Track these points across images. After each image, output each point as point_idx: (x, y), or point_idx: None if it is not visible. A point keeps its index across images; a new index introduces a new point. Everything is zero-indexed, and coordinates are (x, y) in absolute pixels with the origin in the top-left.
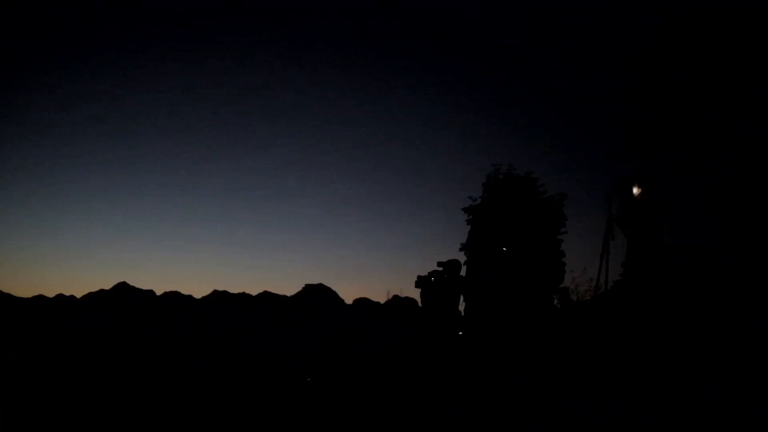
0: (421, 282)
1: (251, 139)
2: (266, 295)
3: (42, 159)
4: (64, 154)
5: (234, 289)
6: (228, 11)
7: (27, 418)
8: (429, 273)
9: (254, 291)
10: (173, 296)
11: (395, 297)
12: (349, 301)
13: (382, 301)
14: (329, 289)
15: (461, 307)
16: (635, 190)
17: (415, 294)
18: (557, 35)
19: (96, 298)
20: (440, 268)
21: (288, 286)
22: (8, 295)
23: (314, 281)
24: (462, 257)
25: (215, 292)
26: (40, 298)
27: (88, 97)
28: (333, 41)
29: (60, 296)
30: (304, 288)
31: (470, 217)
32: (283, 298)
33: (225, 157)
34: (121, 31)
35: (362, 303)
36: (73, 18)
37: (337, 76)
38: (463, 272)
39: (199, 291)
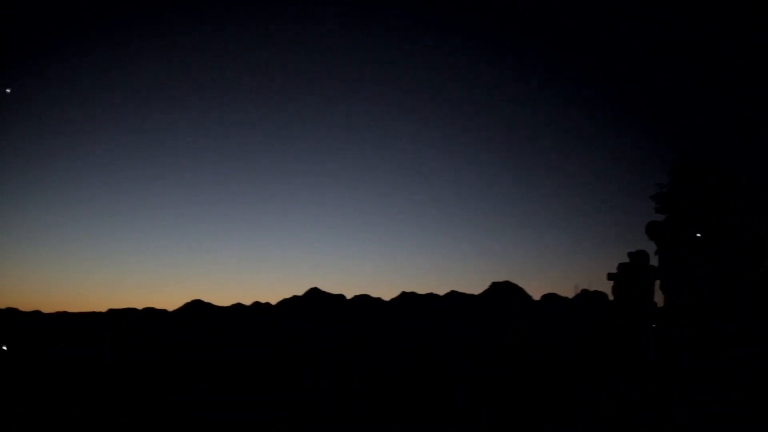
0: (612, 275)
1: (436, 148)
2: (453, 295)
3: (246, 176)
4: (263, 171)
5: (421, 290)
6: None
7: None
8: (619, 265)
9: (441, 291)
10: (363, 299)
11: (584, 291)
12: (536, 297)
13: (570, 296)
14: (516, 286)
15: (657, 298)
16: None
17: (604, 287)
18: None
19: (290, 303)
20: (629, 260)
21: (474, 285)
22: (209, 305)
23: (500, 279)
24: (651, 247)
25: (403, 293)
26: (238, 306)
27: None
28: (493, 40)
29: (256, 303)
30: (490, 286)
31: (659, 205)
32: (470, 296)
33: (414, 169)
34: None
35: (550, 299)
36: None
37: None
38: (654, 262)
39: (387, 293)
